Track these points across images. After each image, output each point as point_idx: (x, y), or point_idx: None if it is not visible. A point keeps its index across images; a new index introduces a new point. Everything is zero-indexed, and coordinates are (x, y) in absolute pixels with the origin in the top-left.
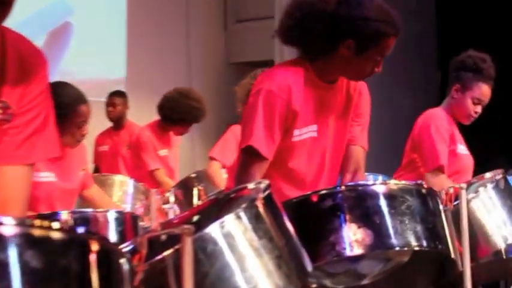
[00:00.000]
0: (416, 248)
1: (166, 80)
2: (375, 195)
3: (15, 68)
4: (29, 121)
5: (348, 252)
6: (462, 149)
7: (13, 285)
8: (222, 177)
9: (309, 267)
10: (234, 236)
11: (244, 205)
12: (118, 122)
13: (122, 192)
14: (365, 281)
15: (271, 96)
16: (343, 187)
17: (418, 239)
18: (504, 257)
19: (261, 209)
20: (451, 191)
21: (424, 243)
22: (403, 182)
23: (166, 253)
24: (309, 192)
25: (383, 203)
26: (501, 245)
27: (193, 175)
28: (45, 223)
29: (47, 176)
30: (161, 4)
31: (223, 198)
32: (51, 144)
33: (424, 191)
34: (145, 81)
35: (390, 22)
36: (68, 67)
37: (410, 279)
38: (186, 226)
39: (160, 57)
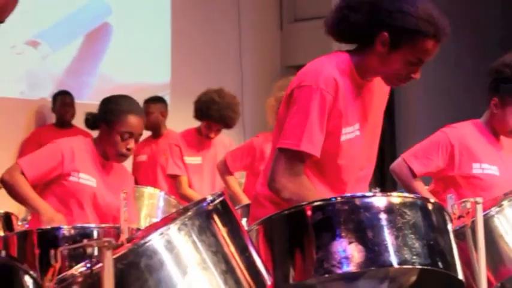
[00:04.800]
0: (411, 266)
1: (215, 86)
2: (370, 208)
3: None
4: None
5: (337, 270)
6: (486, 167)
7: None
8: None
9: (268, 281)
10: (175, 247)
11: (188, 215)
12: (155, 130)
13: (151, 206)
14: None
15: (320, 93)
16: (338, 198)
17: (416, 255)
18: None
19: (206, 220)
20: (468, 205)
21: (423, 260)
22: (406, 194)
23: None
24: (302, 203)
25: (380, 216)
26: None
27: None
28: None
29: (86, 179)
30: (210, 2)
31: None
32: None
33: (430, 206)
34: (191, 87)
35: (431, 22)
36: (107, 71)
37: None
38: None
39: (209, 62)
